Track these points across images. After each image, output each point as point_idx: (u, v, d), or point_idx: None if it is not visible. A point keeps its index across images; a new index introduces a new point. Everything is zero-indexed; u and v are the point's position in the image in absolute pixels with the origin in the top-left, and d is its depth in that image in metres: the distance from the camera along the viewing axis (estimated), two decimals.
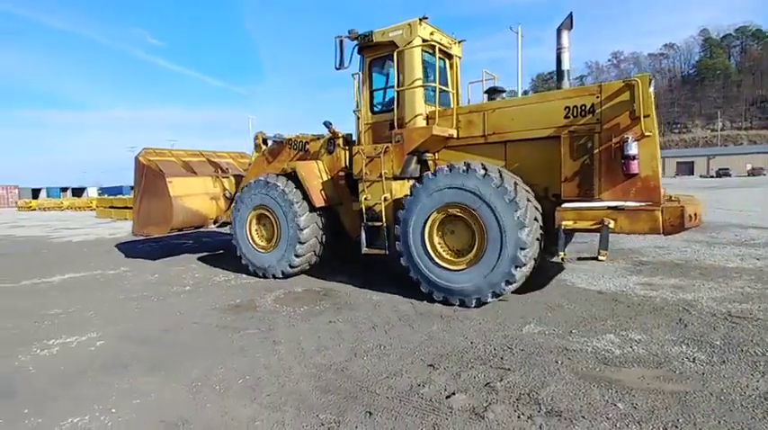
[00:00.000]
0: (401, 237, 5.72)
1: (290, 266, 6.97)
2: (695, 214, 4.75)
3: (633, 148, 4.72)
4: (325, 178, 7.16)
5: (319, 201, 6.89)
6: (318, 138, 7.42)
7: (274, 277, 7.14)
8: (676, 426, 2.70)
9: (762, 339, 3.98)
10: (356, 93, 6.68)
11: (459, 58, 7.25)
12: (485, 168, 5.12)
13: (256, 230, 7.63)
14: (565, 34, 5.93)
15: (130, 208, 21.93)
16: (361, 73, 6.70)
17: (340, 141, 7.17)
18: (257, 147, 8.64)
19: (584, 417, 2.83)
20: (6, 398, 3.46)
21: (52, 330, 5.02)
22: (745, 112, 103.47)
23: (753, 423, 2.71)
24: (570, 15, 5.97)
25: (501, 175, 5.05)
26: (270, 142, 8.35)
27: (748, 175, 61.24)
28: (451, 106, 6.49)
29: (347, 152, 7.09)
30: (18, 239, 15.48)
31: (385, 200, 6.16)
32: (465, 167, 5.20)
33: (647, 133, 4.76)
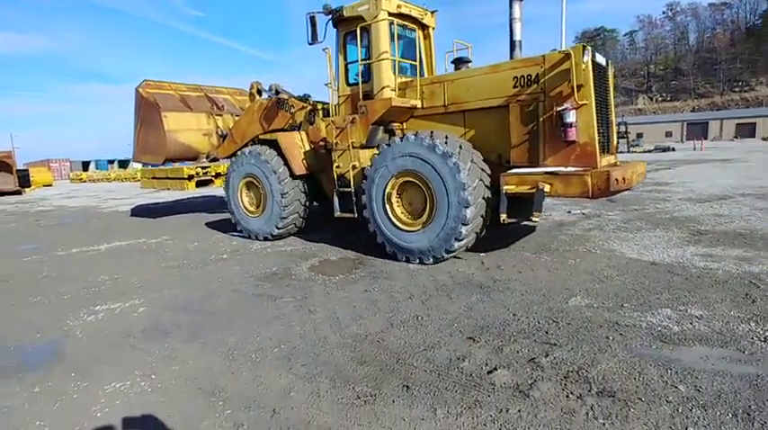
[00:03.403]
0: (366, 205, 6.17)
1: (277, 228, 7.55)
2: (622, 178, 4.95)
3: (571, 117, 4.92)
4: (306, 148, 7.51)
5: (300, 169, 7.34)
6: (303, 107, 7.65)
7: (264, 239, 7.76)
8: (748, 413, 2.43)
9: None
10: (329, 66, 6.78)
11: (433, 28, 7.35)
12: (431, 135, 5.48)
13: (247, 196, 8.18)
14: (516, 5, 6.14)
15: (172, 178, 22.78)
16: (336, 46, 6.91)
17: (320, 113, 7.44)
18: (251, 96, 8.87)
19: (640, 399, 2.60)
20: (56, 361, 3.58)
21: (99, 296, 5.19)
22: None
23: None
24: None
25: (446, 141, 5.40)
26: (264, 94, 8.60)
27: None
28: (425, 76, 6.82)
29: (327, 123, 7.23)
30: (70, 210, 16.29)
31: (354, 167, 6.58)
32: (414, 136, 5.61)
33: (582, 102, 4.95)
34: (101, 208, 16.02)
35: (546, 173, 5.12)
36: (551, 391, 2.73)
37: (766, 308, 3.83)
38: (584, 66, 4.97)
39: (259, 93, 8.72)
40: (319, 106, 7.57)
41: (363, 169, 6.37)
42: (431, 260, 5.62)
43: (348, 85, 6.98)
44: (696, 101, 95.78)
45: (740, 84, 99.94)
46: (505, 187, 5.27)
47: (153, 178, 24.99)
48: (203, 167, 22.04)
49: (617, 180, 4.83)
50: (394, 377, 3.02)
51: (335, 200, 6.88)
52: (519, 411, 2.56)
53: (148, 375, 3.25)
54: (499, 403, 2.65)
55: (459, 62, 6.77)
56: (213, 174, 22.50)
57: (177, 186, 22.23)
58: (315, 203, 8.24)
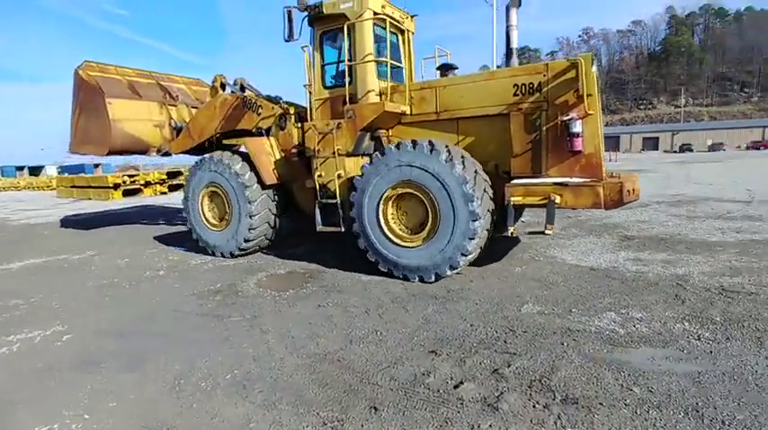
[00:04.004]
0: (357, 219, 5.66)
1: (239, 249, 6.87)
2: (633, 189, 4.95)
3: (577, 126, 4.82)
4: (277, 155, 6.91)
5: (270, 179, 6.69)
6: (273, 110, 7.04)
7: (223, 256, 7.08)
8: (697, 411, 2.59)
9: (759, 314, 3.96)
10: (307, 67, 6.31)
11: (412, 33, 7.04)
12: (431, 144, 5.11)
13: (208, 208, 7.43)
14: (513, 12, 5.99)
15: (95, 187, 20.91)
16: (311, 46, 6.38)
17: (292, 117, 6.87)
18: (213, 89, 8.14)
19: (601, 404, 2.69)
20: None
21: (12, 324, 4.56)
22: (707, 89, 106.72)
23: None
24: None
25: (448, 150, 5.07)
26: (228, 89, 7.94)
27: (708, 151, 63.46)
28: (404, 82, 6.42)
29: (300, 128, 6.79)
30: None
31: (339, 177, 6.08)
32: (412, 145, 5.20)
33: (590, 112, 4.85)
34: (10, 220, 14.31)
35: (555, 184, 4.91)
36: (518, 403, 2.75)
37: (695, 307, 4.17)
38: (592, 75, 4.85)
39: (222, 87, 7.99)
40: (292, 110, 6.94)
41: (350, 179, 5.93)
42: (432, 278, 5.23)
43: (325, 87, 6.51)
44: (609, 116, 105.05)
45: (645, 102, 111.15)
46: (513, 198, 5.03)
47: (72, 186, 22.79)
48: (130, 175, 20.49)
49: (629, 191, 4.76)
50: (360, 398, 2.90)
51: (317, 212, 6.28)
52: (490, 426, 2.54)
53: (80, 415, 2.86)
54: (470, 419, 2.62)
55: (445, 68, 6.45)
56: (142, 182, 20.97)
57: (101, 196, 20.41)
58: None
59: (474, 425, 2.56)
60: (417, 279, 5.32)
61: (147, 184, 21.07)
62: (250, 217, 6.68)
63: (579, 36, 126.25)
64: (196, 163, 7.41)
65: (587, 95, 4.82)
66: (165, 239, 9.08)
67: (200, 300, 5.09)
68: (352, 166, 6.11)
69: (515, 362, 3.27)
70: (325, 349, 3.66)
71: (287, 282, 5.66)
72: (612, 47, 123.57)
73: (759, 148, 61.39)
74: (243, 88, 7.61)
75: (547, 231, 5.02)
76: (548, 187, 4.91)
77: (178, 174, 22.69)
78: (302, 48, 6.26)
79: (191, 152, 8.71)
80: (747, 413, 2.55)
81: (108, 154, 8.28)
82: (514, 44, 6.04)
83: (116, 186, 20.06)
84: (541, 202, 4.92)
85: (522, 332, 3.80)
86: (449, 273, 5.17)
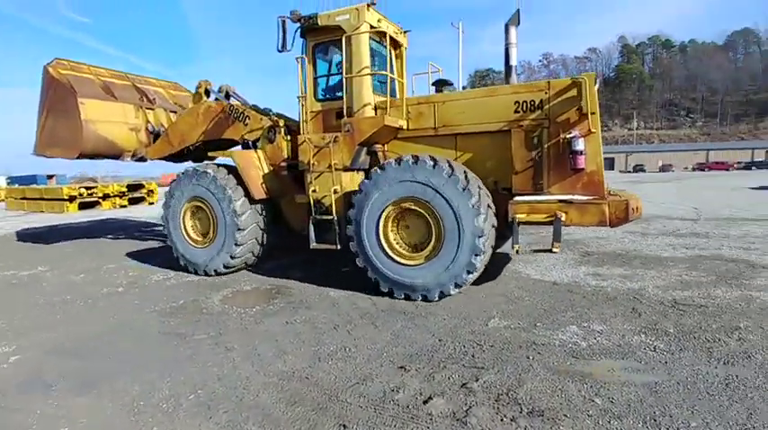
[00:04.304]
0: (354, 237, 5.48)
1: (225, 266, 6.53)
2: (637, 207, 4.96)
3: (580, 144, 4.87)
4: (266, 169, 6.71)
5: (259, 194, 6.45)
6: (261, 121, 6.88)
7: (207, 274, 6.66)
8: (654, 419, 2.71)
9: (709, 325, 4.20)
10: (300, 78, 6.22)
11: (405, 48, 7.04)
12: (433, 159, 5.06)
13: (191, 224, 7.02)
14: (512, 30, 5.99)
15: (48, 199, 19.77)
16: (304, 57, 6.27)
17: (282, 130, 6.72)
18: (197, 95, 7.85)
19: (566, 416, 2.76)
20: None
21: None
22: (657, 114, 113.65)
23: (721, 410, 2.78)
24: (518, 12, 6.06)
25: (450, 165, 5.02)
26: (212, 95, 7.70)
27: (659, 171, 67.31)
28: (397, 97, 6.32)
29: (289, 141, 6.69)
30: None
31: (335, 192, 5.86)
32: (414, 160, 5.10)
33: (593, 130, 4.93)
34: None
35: (560, 201, 4.88)
36: (486, 416, 2.79)
37: (650, 320, 4.38)
38: (594, 93, 4.92)
39: (207, 93, 7.75)
40: (281, 122, 6.77)
41: (346, 194, 5.79)
42: (436, 297, 5.08)
43: (318, 100, 6.35)
44: None
45: (601, 124, 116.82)
46: (517, 216, 4.95)
47: (23, 198, 21.47)
48: (88, 187, 19.58)
49: (633, 209, 4.76)
50: (328, 416, 2.86)
51: (311, 229, 6.01)
52: None
53: None
54: None
55: (440, 84, 6.45)
56: (100, 195, 20.07)
57: (54, 208, 19.30)
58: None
59: None
60: (420, 298, 5.15)
61: (106, 197, 20.17)
62: (237, 232, 6.36)
63: (540, 60, 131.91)
64: (177, 176, 7.02)
65: (591, 113, 4.89)
66: (124, 254, 8.72)
67: (161, 317, 4.91)
68: (348, 181, 5.92)
69: (483, 376, 3.32)
70: (293, 367, 3.59)
71: (253, 299, 5.54)
72: (571, 71, 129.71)
73: (704, 169, 65.70)
74: (228, 95, 7.41)
75: (554, 249, 4.94)
76: (552, 205, 4.89)
77: (139, 186, 21.85)
78: (296, 59, 6.17)
79: (169, 159, 8.38)
80: (700, 420, 2.69)
81: (78, 157, 7.82)
82: (513, 62, 6.05)
83: (72, 198, 19.07)
84: (547, 220, 4.89)
85: (490, 346, 3.87)
86: (453, 291, 5.04)
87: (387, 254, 5.30)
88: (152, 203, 21.67)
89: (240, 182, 6.47)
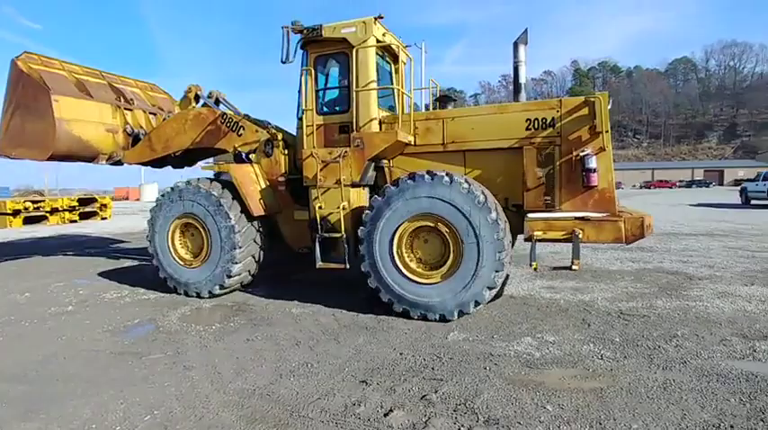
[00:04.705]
0: (366, 256, 5.28)
1: (221, 286, 6.13)
2: (649, 224, 5.02)
3: (593, 162, 4.96)
4: (262, 184, 6.45)
5: (258, 210, 6.15)
6: (257, 131, 6.64)
7: (199, 296, 6.26)
8: (600, 423, 2.89)
9: (650, 334, 4.50)
10: (303, 91, 6.08)
11: (404, 63, 6.95)
12: (450, 175, 4.98)
13: (180, 241, 6.61)
14: (521, 48, 6.05)
15: None
16: (305, 69, 6.13)
17: (280, 143, 6.52)
18: (186, 100, 7.53)
19: (519, 423, 2.90)
20: None
21: None
22: None
23: (659, 412, 3.00)
24: (526, 31, 6.10)
25: (467, 181, 4.99)
26: (201, 101, 7.43)
27: None
28: (396, 112, 6.26)
29: (287, 155, 6.53)
30: None
31: (344, 208, 5.62)
32: (430, 176, 5.00)
33: (605, 147, 5.05)
34: None
35: (576, 218, 4.95)
36: (445, 426, 2.88)
37: (598, 330, 4.64)
38: (606, 112, 5.00)
39: (197, 99, 7.45)
40: (280, 136, 6.53)
41: (354, 211, 5.65)
42: (455, 316, 4.94)
43: (319, 113, 6.19)
44: None
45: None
46: (535, 233, 4.99)
47: None
48: (34, 201, 18.56)
49: (647, 226, 4.85)
50: None
51: (317, 247, 5.75)
52: None
53: None
54: None
55: (444, 100, 6.48)
56: (48, 209, 19.06)
57: None
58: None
59: None
60: (438, 317, 4.99)
61: (54, 211, 19.20)
62: (235, 250, 6.01)
63: (499, 81, 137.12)
64: (164, 193, 6.62)
65: (605, 131, 4.99)
66: (74, 271, 8.33)
67: (114, 337, 4.74)
68: (356, 198, 5.74)
69: (442, 387, 3.43)
70: (254, 384, 3.57)
71: (213, 316, 5.44)
72: (528, 93, 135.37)
73: (650, 187, 70.10)
74: (217, 102, 7.21)
75: (574, 266, 5.01)
76: (568, 222, 4.94)
77: (91, 200, 20.98)
78: (303, 70, 6.07)
79: (147, 164, 7.98)
80: (641, 422, 2.89)
81: (49, 159, 7.26)
82: (523, 79, 6.11)
83: (16, 213, 18.02)
84: (565, 237, 4.94)
85: (449, 359, 3.99)
86: (473, 309, 4.94)
87: (402, 272, 5.13)
88: (105, 218, 20.91)
89: (235, 197, 6.20)
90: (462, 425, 2.89)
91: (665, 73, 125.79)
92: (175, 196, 6.43)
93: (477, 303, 4.90)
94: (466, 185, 4.89)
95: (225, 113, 6.94)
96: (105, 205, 21.21)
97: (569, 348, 4.18)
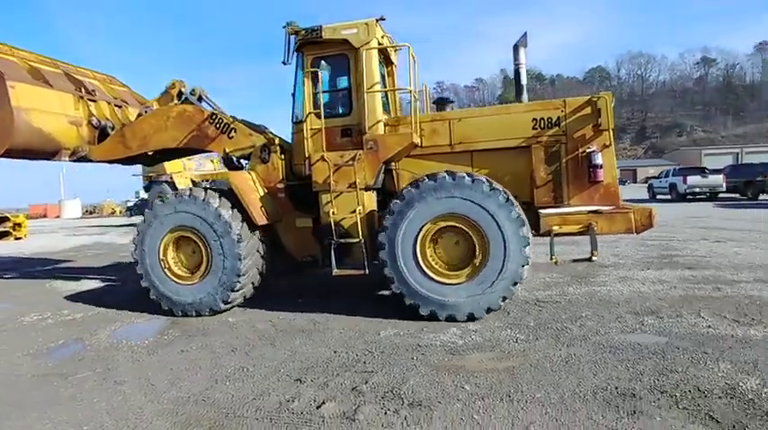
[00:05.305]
0: (388, 260, 5.22)
1: (225, 302, 5.76)
2: (655, 215, 5.30)
3: (599, 158, 5.24)
4: (261, 191, 6.15)
5: (261, 219, 5.86)
6: (250, 135, 6.35)
7: (199, 315, 5.83)
8: (509, 395, 3.27)
9: (560, 317, 5.05)
10: (305, 94, 5.93)
11: (396, 66, 7.04)
12: (470, 175, 5.08)
13: (173, 257, 6.10)
14: (521, 51, 6.22)
15: None
16: (301, 72, 5.99)
17: (278, 149, 6.29)
18: (167, 96, 7.14)
19: (440, 403, 3.21)
20: None
21: None
22: None
23: (560, 381, 3.44)
24: (525, 34, 6.33)
25: (488, 180, 5.10)
26: (183, 97, 7.08)
27: None
28: (391, 114, 6.32)
29: (284, 161, 6.33)
30: None
31: (359, 213, 5.53)
32: (451, 176, 5.05)
33: (608, 144, 5.36)
34: None
35: (590, 212, 5.20)
36: (373, 412, 3.13)
37: (516, 317, 5.13)
38: (611, 110, 5.26)
39: (179, 95, 7.05)
40: (277, 140, 6.30)
41: (368, 215, 5.64)
42: (484, 313, 5.02)
43: (318, 117, 5.91)
44: None
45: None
46: (552, 227, 5.21)
47: None
48: None
49: (654, 216, 5.16)
50: None
51: (332, 254, 5.60)
52: None
53: None
54: None
55: (442, 102, 6.61)
56: (11, 225, 17.06)
57: None
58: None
59: None
60: (466, 317, 5.03)
61: (17, 227, 17.41)
62: (238, 261, 5.67)
63: (434, 88, 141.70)
64: (152, 205, 6.14)
65: (611, 129, 5.29)
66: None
67: (36, 360, 4.54)
68: (369, 201, 5.70)
69: (372, 378, 3.68)
70: (189, 392, 3.62)
71: (145, 331, 5.34)
72: (461, 99, 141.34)
73: None
74: (200, 99, 6.89)
75: (593, 257, 5.25)
76: (583, 215, 5.19)
77: (4, 219, 19.18)
78: (306, 72, 5.91)
79: (119, 162, 7.40)
80: (543, 392, 3.30)
81: (4, 154, 6.35)
82: (524, 81, 6.27)
83: None
84: (581, 230, 5.20)
85: (380, 353, 4.25)
86: (501, 304, 5.07)
87: (426, 274, 5.14)
88: (20, 238, 19.22)
89: (235, 205, 5.89)
90: (389, 410, 3.15)
91: (584, 81, 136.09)
92: (166, 208, 5.95)
93: (504, 298, 5.04)
94: (488, 184, 5.01)
95: (215, 113, 6.57)
96: (19, 224, 19.47)
97: (489, 334, 4.59)
